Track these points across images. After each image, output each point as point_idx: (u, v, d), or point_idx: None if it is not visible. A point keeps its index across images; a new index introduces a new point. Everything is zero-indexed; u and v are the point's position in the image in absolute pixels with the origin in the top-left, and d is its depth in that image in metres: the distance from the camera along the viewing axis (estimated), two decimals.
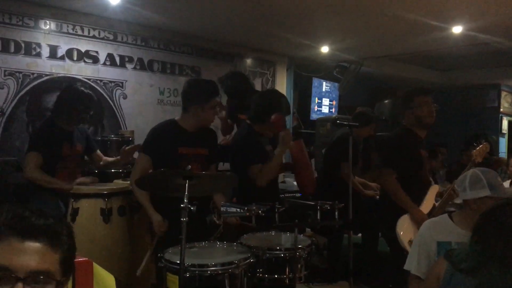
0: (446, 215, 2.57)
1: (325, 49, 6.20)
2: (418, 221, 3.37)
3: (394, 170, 3.46)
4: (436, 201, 3.63)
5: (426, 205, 3.53)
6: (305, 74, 7.12)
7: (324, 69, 7.10)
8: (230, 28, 5.37)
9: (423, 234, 2.49)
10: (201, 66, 5.90)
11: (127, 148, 3.71)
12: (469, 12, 4.55)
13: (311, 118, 7.03)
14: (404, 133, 3.62)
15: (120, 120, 5.21)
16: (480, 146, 3.82)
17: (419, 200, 3.49)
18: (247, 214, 2.48)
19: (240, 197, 3.24)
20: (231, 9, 4.61)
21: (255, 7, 4.52)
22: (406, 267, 2.43)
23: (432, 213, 3.49)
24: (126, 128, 5.11)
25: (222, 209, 2.56)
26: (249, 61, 6.46)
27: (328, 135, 6.02)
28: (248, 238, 2.85)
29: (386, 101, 6.56)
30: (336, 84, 7.28)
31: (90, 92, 3.76)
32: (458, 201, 2.61)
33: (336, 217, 2.87)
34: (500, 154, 8.36)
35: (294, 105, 7.04)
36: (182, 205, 2.23)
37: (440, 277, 2.03)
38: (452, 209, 3.31)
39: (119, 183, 3.67)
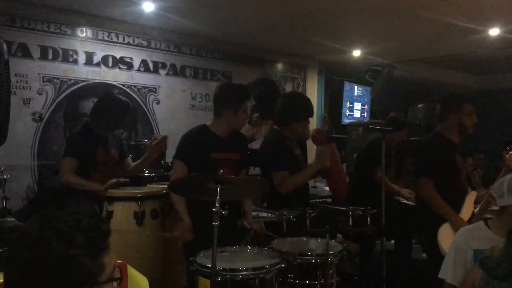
0: (482, 222, 2.53)
1: (357, 53, 6.15)
2: (458, 228, 3.29)
3: (431, 177, 3.38)
4: (475, 207, 3.55)
5: (465, 212, 3.44)
6: (336, 78, 7.07)
7: (356, 73, 7.04)
8: (261, 33, 5.40)
9: (459, 242, 2.45)
10: (232, 71, 5.95)
11: (153, 143, 3.75)
12: (506, 14, 4.43)
13: (342, 123, 6.97)
14: (439, 139, 3.55)
15: (153, 125, 5.31)
16: None
17: (457, 207, 3.41)
18: (278, 219, 2.47)
19: (271, 202, 3.24)
20: (261, 14, 4.63)
21: (285, 12, 4.53)
22: (440, 275, 2.38)
23: (471, 220, 3.40)
24: (159, 133, 5.20)
25: (253, 213, 2.57)
26: (280, 65, 6.47)
27: (360, 139, 5.95)
28: (279, 243, 2.84)
29: (420, 106, 6.43)
30: (368, 88, 7.20)
31: (127, 99, 3.84)
32: (495, 207, 2.55)
33: (369, 223, 2.84)
34: None
35: (325, 109, 7.00)
36: (214, 209, 2.25)
37: (475, 285, 1.98)
38: (489, 216, 3.22)
39: (152, 187, 3.74)
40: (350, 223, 2.77)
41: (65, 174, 3.43)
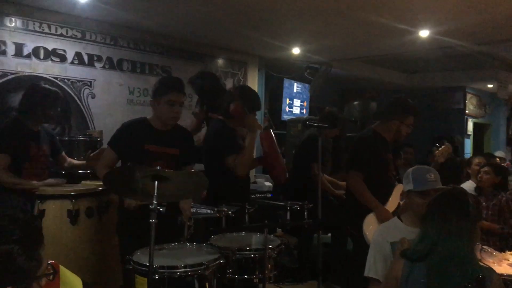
0: (395, 217, 2.69)
1: (296, 51, 6.25)
2: (383, 219, 3.47)
3: (361, 171, 3.53)
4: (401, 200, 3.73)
5: (391, 204, 3.62)
6: (276, 75, 7.16)
7: (295, 70, 7.16)
8: (201, 27, 5.35)
9: (376, 239, 2.58)
10: (172, 66, 5.85)
11: (92, 154, 3.66)
12: (435, 17, 4.67)
13: (282, 119, 7.07)
14: (373, 136, 3.70)
15: (88, 120, 5.12)
16: (443, 147, 3.95)
17: (384, 200, 3.57)
18: (218, 215, 2.47)
19: (211, 194, 3.23)
20: (201, 8, 4.59)
21: (226, 7, 4.52)
22: (365, 273, 2.49)
23: (396, 212, 3.60)
24: (95, 128, 5.03)
25: (192, 210, 2.55)
26: (220, 61, 6.45)
27: (299, 135, 6.07)
28: (217, 239, 2.85)
29: (356, 103, 6.66)
30: (307, 85, 7.35)
31: (56, 89, 3.68)
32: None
33: (306, 217, 2.91)
34: (465, 155, 8.59)
35: (265, 105, 7.07)
36: (151, 207, 2.21)
37: (398, 277, 2.11)
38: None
39: (87, 184, 3.62)
40: (288, 217, 2.83)
41: None
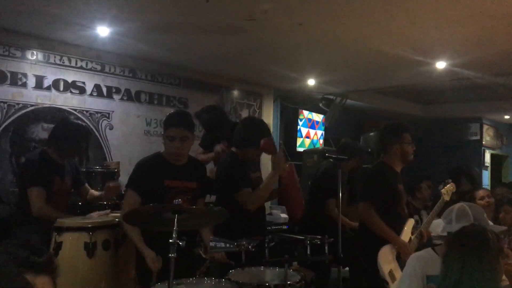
0: (430, 248, 2.65)
1: (311, 82, 6.28)
2: (400, 249, 3.45)
3: (373, 203, 3.51)
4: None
5: (404, 237, 3.61)
6: (291, 106, 7.18)
7: (310, 101, 7.17)
8: (217, 59, 5.42)
9: (413, 267, 2.55)
10: (188, 97, 5.91)
11: (111, 184, 3.66)
12: (452, 49, 4.68)
13: (297, 150, 7.05)
14: (382, 167, 3.73)
15: (105, 151, 5.16)
16: (447, 186, 3.96)
17: (397, 233, 3.58)
18: (237, 249, 2.43)
19: (227, 228, 3.19)
20: (218, 41, 4.66)
21: (241, 40, 4.57)
22: None
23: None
24: (112, 160, 5.05)
25: (211, 244, 2.51)
26: (236, 92, 6.50)
27: (315, 166, 6.03)
28: (236, 273, 2.78)
29: (372, 134, 6.63)
30: (322, 116, 7.35)
31: (87, 124, 3.75)
32: (443, 233, 2.65)
33: (326, 251, 2.85)
34: (484, 187, 8.45)
35: (280, 136, 7.07)
36: (170, 240, 2.19)
37: None
38: (438, 242, 3.35)
39: (104, 216, 3.59)
40: (309, 252, 2.77)
41: (39, 206, 3.30)
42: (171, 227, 2.21)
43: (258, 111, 6.70)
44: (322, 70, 5.79)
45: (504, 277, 2.41)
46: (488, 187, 8.85)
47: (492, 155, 9.43)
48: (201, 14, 3.85)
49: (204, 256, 3.88)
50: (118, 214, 3.50)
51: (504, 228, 3.62)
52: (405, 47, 4.63)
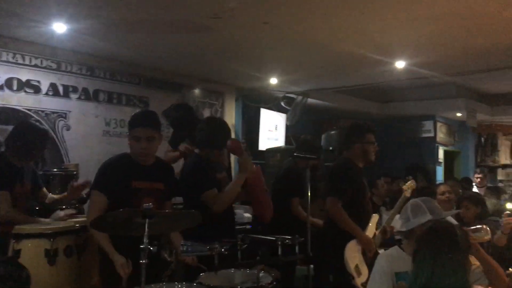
0: (396, 246, 2.73)
1: (273, 81, 6.28)
2: (364, 244, 3.53)
3: (339, 198, 3.57)
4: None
5: (369, 233, 3.70)
6: (253, 105, 7.16)
7: (273, 100, 7.18)
8: (179, 57, 5.32)
9: (382, 265, 2.61)
10: (149, 96, 5.77)
11: (75, 184, 3.52)
12: (411, 49, 4.80)
13: (259, 149, 7.03)
14: (347, 163, 3.84)
15: (62, 152, 4.95)
16: (408, 183, 4.10)
17: (363, 227, 3.68)
18: (210, 253, 2.38)
19: (197, 231, 3.13)
20: (179, 38, 4.56)
21: (204, 38, 4.50)
22: None
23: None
24: (70, 161, 4.86)
25: (183, 247, 2.44)
26: (197, 91, 6.41)
27: (278, 165, 6.04)
28: (207, 277, 2.73)
29: (333, 132, 6.70)
30: (284, 115, 7.37)
31: (46, 127, 3.60)
32: (403, 229, 2.71)
33: (297, 251, 2.85)
34: (437, 183, 8.74)
35: (242, 135, 7.03)
36: (141, 246, 2.12)
37: None
38: (398, 237, 3.44)
39: (65, 221, 3.45)
40: (280, 252, 2.76)
41: (5, 209, 3.18)
42: (142, 232, 2.13)
43: (220, 110, 6.64)
44: (285, 69, 5.80)
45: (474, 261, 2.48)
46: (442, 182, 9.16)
47: (445, 152, 9.76)
48: (163, 11, 3.76)
49: (168, 259, 3.79)
50: (80, 219, 3.37)
51: (457, 211, 3.84)
52: (367, 47, 4.72)
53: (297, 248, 2.84)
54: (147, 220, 2.13)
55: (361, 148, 3.78)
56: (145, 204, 2.24)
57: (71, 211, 3.43)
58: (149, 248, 2.13)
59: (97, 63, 5.23)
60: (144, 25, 4.11)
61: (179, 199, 3.56)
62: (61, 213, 3.32)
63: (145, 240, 2.11)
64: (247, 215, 5.84)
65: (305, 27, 4.13)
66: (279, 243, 2.79)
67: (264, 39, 4.50)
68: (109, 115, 5.38)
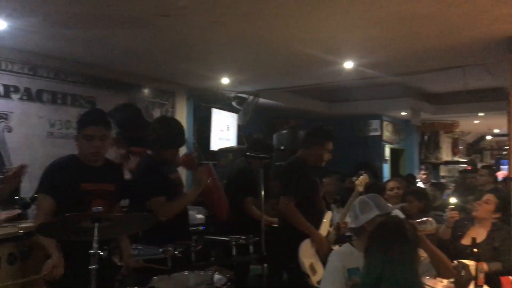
0: (348, 243, 2.79)
1: (225, 80, 6.26)
2: (318, 243, 3.58)
3: (293, 196, 3.61)
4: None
5: (323, 230, 3.75)
6: (205, 105, 7.10)
7: (224, 100, 7.16)
8: (127, 56, 5.18)
9: (335, 263, 2.64)
10: (96, 96, 5.59)
11: (10, 173, 3.30)
12: (359, 50, 4.91)
13: (211, 149, 6.98)
14: (300, 162, 3.89)
15: (4, 155, 4.70)
16: (361, 177, 4.22)
17: (316, 225, 3.72)
18: (164, 255, 2.33)
19: (150, 234, 3.05)
20: (128, 36, 4.43)
21: (154, 36, 4.41)
22: None
23: (327, 238, 3.77)
24: (12, 165, 4.62)
25: (135, 251, 2.38)
26: (147, 91, 6.27)
27: (230, 165, 6.02)
28: (160, 280, 2.68)
29: (284, 132, 6.76)
30: (236, 115, 7.36)
31: None
32: (353, 226, 2.78)
33: (251, 251, 2.85)
34: (384, 179, 9.01)
35: (194, 136, 6.96)
36: (91, 251, 2.04)
37: None
38: (348, 233, 3.53)
39: (7, 228, 3.27)
40: (234, 253, 2.75)
41: None
42: (91, 236, 2.05)
43: (171, 110, 6.53)
44: (236, 69, 5.79)
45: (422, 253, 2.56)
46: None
47: (391, 149, 10.09)
48: (110, 7, 3.63)
49: (119, 263, 3.69)
50: (24, 225, 3.22)
51: (402, 204, 3.94)
52: (316, 48, 4.78)
53: (251, 247, 2.85)
54: (96, 224, 2.05)
55: (317, 152, 3.84)
56: (94, 208, 2.16)
57: (14, 212, 3.23)
58: (99, 253, 2.05)
59: (40, 61, 5.00)
60: (89, 20, 3.96)
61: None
62: (2, 215, 3.13)
63: (95, 244, 2.03)
64: (200, 216, 5.78)
65: (256, 26, 4.14)
66: (234, 243, 2.78)
67: (215, 38, 4.47)
68: (53, 116, 5.16)
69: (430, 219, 3.17)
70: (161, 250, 2.36)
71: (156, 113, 6.25)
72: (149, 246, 2.43)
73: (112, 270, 3.01)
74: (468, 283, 2.44)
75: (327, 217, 3.87)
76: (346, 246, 2.78)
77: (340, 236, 3.80)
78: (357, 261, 2.45)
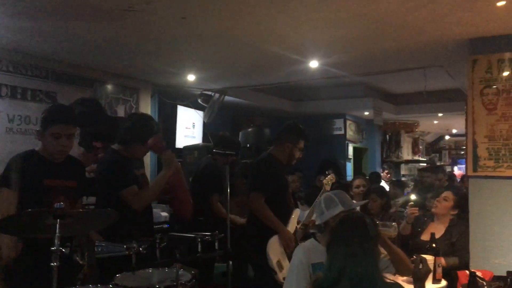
0: (312, 239, 2.84)
1: (191, 77, 6.21)
2: (286, 240, 3.62)
3: (262, 193, 3.65)
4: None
5: (291, 227, 3.79)
6: (170, 102, 7.03)
7: (190, 97, 7.11)
8: (90, 51, 5.05)
9: (299, 258, 2.68)
10: (57, 92, 5.43)
11: None
12: (324, 49, 4.97)
13: (176, 146, 6.93)
14: (270, 159, 3.92)
15: None
16: (328, 177, 4.32)
17: (285, 221, 3.77)
18: (128, 252, 2.30)
19: (113, 230, 3.00)
20: (91, 30, 4.32)
21: (118, 30, 4.31)
22: None
23: (294, 235, 3.79)
24: None
25: (98, 248, 2.34)
26: (110, 87, 6.15)
27: (195, 163, 6.00)
28: (123, 278, 2.64)
29: (250, 130, 6.79)
30: (201, 112, 7.33)
31: None
32: (318, 222, 2.83)
33: (216, 247, 2.85)
34: (347, 178, 9.17)
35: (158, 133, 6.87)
36: (52, 248, 1.99)
37: None
38: (313, 230, 3.59)
39: None
40: (199, 249, 2.75)
41: None
42: (53, 233, 2.01)
43: (135, 106, 6.44)
44: (202, 66, 5.76)
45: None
46: (352, 178, 9.64)
47: (354, 148, 10.28)
48: None
49: (81, 262, 3.62)
50: None
51: (365, 201, 4.07)
52: (282, 46, 4.81)
53: (216, 244, 2.85)
54: (58, 220, 2.00)
55: (290, 149, 3.88)
56: (56, 204, 2.12)
57: None
58: (61, 250, 2.00)
59: None
60: (51, 13, 3.84)
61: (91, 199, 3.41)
62: None
63: (57, 241, 1.99)
64: (164, 214, 5.73)
65: (222, 24, 4.12)
66: (199, 240, 2.78)
67: (182, 35, 4.43)
68: (12, 111, 4.99)
69: (394, 224, 3.28)
70: (125, 246, 2.33)
71: (120, 109, 6.15)
72: (112, 243, 2.39)
73: (74, 268, 2.96)
74: (425, 277, 2.53)
75: (295, 214, 3.91)
76: (311, 241, 2.83)
77: (307, 233, 3.86)
78: (322, 256, 2.48)
